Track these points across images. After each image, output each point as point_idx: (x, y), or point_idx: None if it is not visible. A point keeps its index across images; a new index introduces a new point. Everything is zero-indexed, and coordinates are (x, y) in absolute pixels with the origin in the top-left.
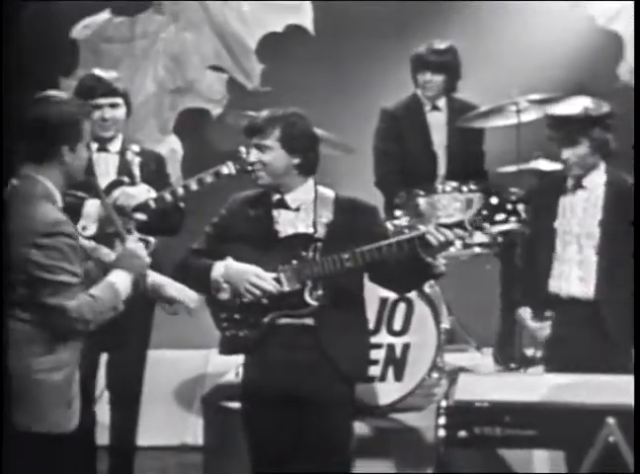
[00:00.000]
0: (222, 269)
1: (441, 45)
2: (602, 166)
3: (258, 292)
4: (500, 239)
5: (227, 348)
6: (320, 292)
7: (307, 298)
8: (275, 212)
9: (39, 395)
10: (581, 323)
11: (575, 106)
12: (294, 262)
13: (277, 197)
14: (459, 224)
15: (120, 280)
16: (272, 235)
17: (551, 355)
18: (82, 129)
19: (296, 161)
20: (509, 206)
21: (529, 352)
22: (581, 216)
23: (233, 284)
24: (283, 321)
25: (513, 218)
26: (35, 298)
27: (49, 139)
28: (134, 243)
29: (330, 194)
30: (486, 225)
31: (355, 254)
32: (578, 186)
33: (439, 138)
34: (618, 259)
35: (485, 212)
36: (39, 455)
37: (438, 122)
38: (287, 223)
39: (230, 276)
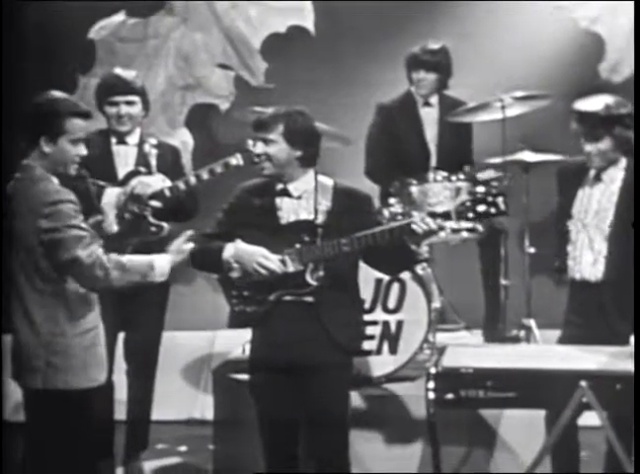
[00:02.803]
0: (232, 250)
1: (434, 46)
2: (623, 162)
3: (264, 272)
4: (481, 227)
5: (236, 322)
6: (320, 274)
7: (308, 279)
8: (277, 200)
9: (76, 355)
10: (590, 307)
11: (597, 103)
12: (297, 245)
13: (280, 186)
14: (446, 214)
15: (159, 258)
16: (275, 222)
17: (565, 336)
18: (63, 126)
19: (298, 154)
20: (490, 199)
21: (514, 331)
22: (595, 208)
23: (242, 264)
24: (287, 298)
25: (493, 210)
26: (54, 262)
27: (29, 130)
28: (186, 244)
29: (329, 182)
30: (470, 215)
31: (352, 239)
32: (597, 179)
33: (430, 132)
34: (625, 249)
35: (468, 204)
36: (74, 408)
37: (430, 118)
38: (290, 211)
39: (240, 257)
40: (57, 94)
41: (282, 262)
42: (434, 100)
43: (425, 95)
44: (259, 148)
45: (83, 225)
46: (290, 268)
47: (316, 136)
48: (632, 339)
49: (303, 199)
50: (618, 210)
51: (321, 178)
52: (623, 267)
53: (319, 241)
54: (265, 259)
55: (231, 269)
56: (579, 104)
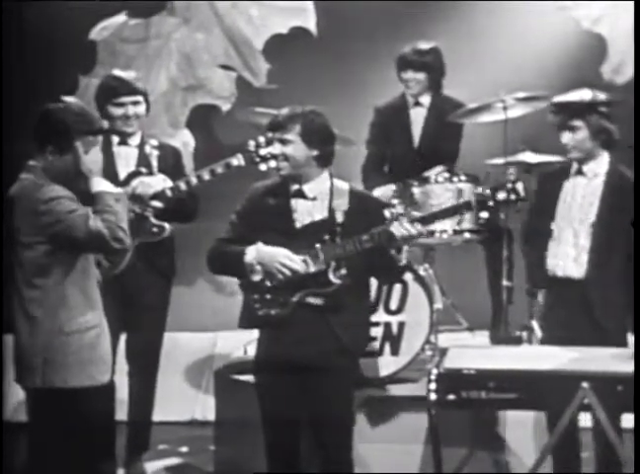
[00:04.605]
0: (254, 252)
1: (424, 46)
2: (605, 156)
3: (288, 272)
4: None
5: (255, 323)
6: (343, 271)
7: (331, 277)
8: (293, 202)
9: (74, 353)
10: (574, 304)
11: (574, 95)
12: (318, 245)
13: (295, 187)
14: (467, 204)
15: (104, 183)
16: (290, 225)
17: (548, 336)
18: (71, 141)
19: (315, 153)
20: (509, 185)
21: (516, 333)
22: (579, 202)
23: (265, 266)
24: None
25: (512, 196)
26: (71, 248)
27: (40, 134)
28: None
29: (345, 186)
30: (490, 203)
31: (372, 234)
32: (579, 172)
33: (419, 133)
34: (609, 244)
35: (488, 192)
36: (74, 408)
37: (419, 118)
38: (305, 213)
39: (262, 259)
40: (76, 107)
41: (304, 262)
42: (425, 100)
43: (415, 95)
44: (276, 149)
45: (78, 205)
46: (312, 268)
47: (332, 136)
48: (632, 341)
49: (318, 201)
50: (602, 205)
51: (336, 181)
52: (606, 262)
53: (339, 239)
54: (288, 259)
55: (254, 271)
56: (557, 97)
